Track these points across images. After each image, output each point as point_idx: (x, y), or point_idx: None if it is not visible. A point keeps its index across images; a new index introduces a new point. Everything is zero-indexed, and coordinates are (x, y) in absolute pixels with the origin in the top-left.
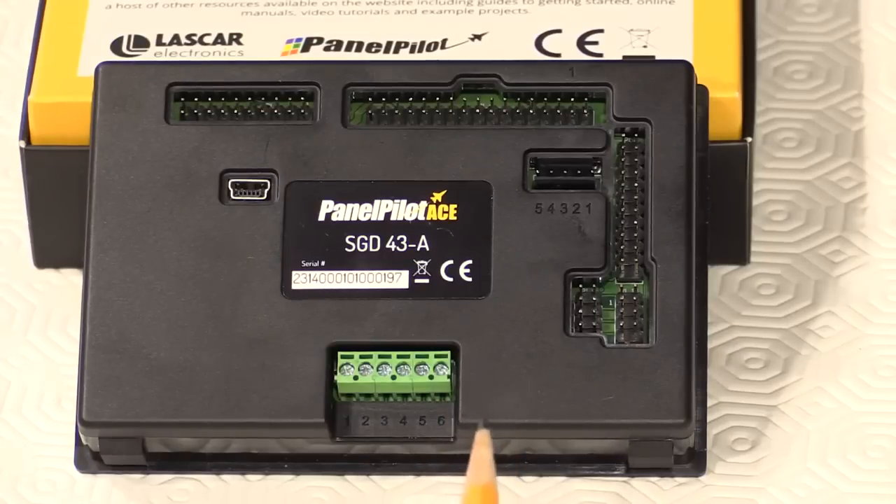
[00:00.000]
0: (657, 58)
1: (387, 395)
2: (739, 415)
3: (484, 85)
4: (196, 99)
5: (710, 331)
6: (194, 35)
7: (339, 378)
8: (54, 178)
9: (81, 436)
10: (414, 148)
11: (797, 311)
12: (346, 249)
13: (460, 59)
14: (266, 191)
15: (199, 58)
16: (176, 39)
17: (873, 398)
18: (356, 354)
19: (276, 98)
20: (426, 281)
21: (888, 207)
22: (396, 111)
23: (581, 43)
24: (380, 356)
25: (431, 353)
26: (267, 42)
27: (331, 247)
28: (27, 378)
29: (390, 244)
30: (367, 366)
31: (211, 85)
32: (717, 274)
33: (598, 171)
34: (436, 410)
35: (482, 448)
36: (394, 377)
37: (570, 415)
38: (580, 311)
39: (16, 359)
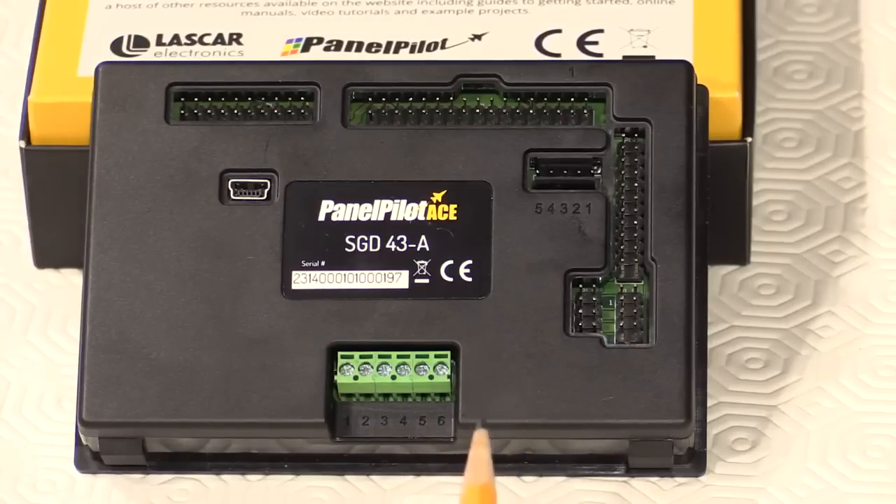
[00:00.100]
0: (657, 58)
1: (387, 395)
2: (739, 415)
3: (484, 85)
4: (196, 99)
5: (710, 331)
6: (194, 35)
7: (339, 378)
8: (54, 178)
9: (81, 436)
10: (414, 148)
11: (797, 311)
12: (346, 249)
13: (460, 59)
14: (266, 191)
15: (199, 58)
16: (176, 39)
17: (873, 398)
18: (356, 354)
19: (276, 98)
20: (426, 281)
21: (888, 207)
22: (396, 111)
23: (581, 43)
24: (380, 356)
25: (431, 353)
26: (267, 42)
27: (331, 247)
28: (27, 378)
29: (390, 244)
30: (367, 366)
31: (211, 85)
32: (717, 274)
33: (598, 171)
34: (436, 410)
35: (480, 448)
36: (394, 377)
37: (570, 415)
38: (580, 311)
39: (16, 359)
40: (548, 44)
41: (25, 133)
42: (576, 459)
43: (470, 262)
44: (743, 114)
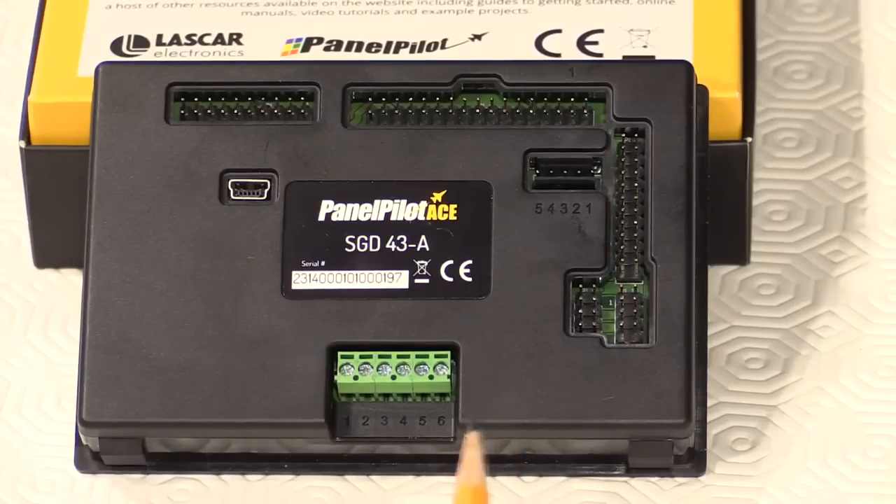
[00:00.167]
0: (657, 58)
1: (387, 395)
2: (739, 415)
3: (484, 85)
4: (196, 99)
5: (710, 331)
6: (194, 35)
7: (339, 378)
8: (54, 178)
9: (81, 436)
10: (414, 148)
11: (797, 311)
12: (346, 249)
13: (460, 59)
14: (266, 191)
15: (199, 58)
16: (176, 39)
17: (873, 398)
18: (356, 354)
19: (276, 98)
20: (426, 281)
21: (888, 207)
22: (396, 111)
23: (581, 43)
24: (380, 356)
25: (431, 353)
26: (267, 42)
27: (331, 247)
28: (27, 378)
29: (390, 244)
30: (367, 366)
31: (211, 85)
32: (717, 274)
33: (598, 171)
34: (436, 410)
35: (473, 449)
36: (394, 377)
37: (570, 415)
38: (580, 311)
39: (16, 359)
40: (548, 44)
41: (25, 133)
42: (576, 459)
43: (470, 262)
44: (743, 114)
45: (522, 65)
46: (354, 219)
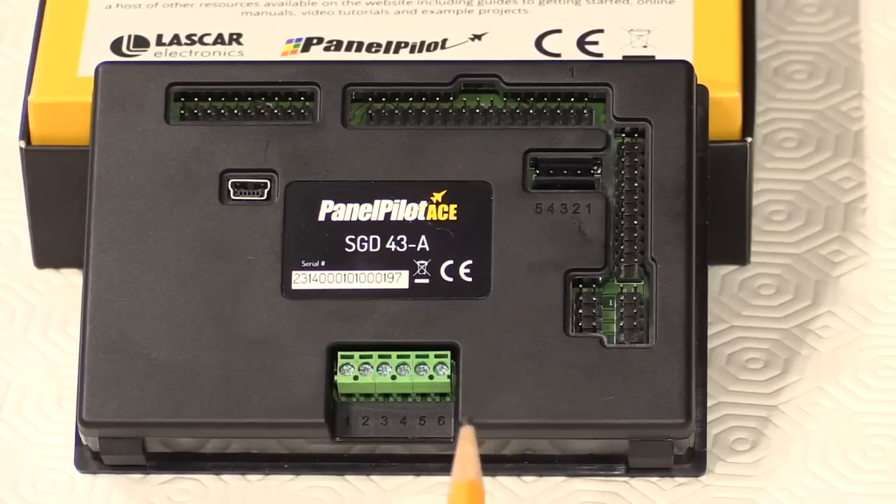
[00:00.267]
0: (657, 58)
1: (387, 395)
2: (739, 415)
3: (484, 85)
4: (196, 99)
5: (710, 331)
6: (194, 35)
7: (339, 378)
8: (54, 178)
9: (81, 436)
10: (414, 148)
11: (797, 311)
12: (346, 249)
13: (460, 59)
14: (266, 191)
15: (199, 58)
16: (176, 39)
17: (873, 398)
18: (356, 354)
19: (276, 98)
20: (426, 281)
21: (888, 207)
22: (396, 111)
23: (581, 43)
24: (380, 356)
25: (431, 353)
26: (267, 42)
27: (331, 247)
28: (27, 378)
29: (390, 244)
30: (367, 366)
31: (211, 85)
32: (717, 274)
33: (598, 171)
34: (436, 410)
35: (467, 444)
36: (394, 377)
37: (570, 415)
38: (580, 311)
39: (16, 359)
40: (548, 44)
41: (25, 133)
42: (576, 459)
43: (470, 262)
44: (743, 114)
45: (522, 65)
46: (354, 219)
